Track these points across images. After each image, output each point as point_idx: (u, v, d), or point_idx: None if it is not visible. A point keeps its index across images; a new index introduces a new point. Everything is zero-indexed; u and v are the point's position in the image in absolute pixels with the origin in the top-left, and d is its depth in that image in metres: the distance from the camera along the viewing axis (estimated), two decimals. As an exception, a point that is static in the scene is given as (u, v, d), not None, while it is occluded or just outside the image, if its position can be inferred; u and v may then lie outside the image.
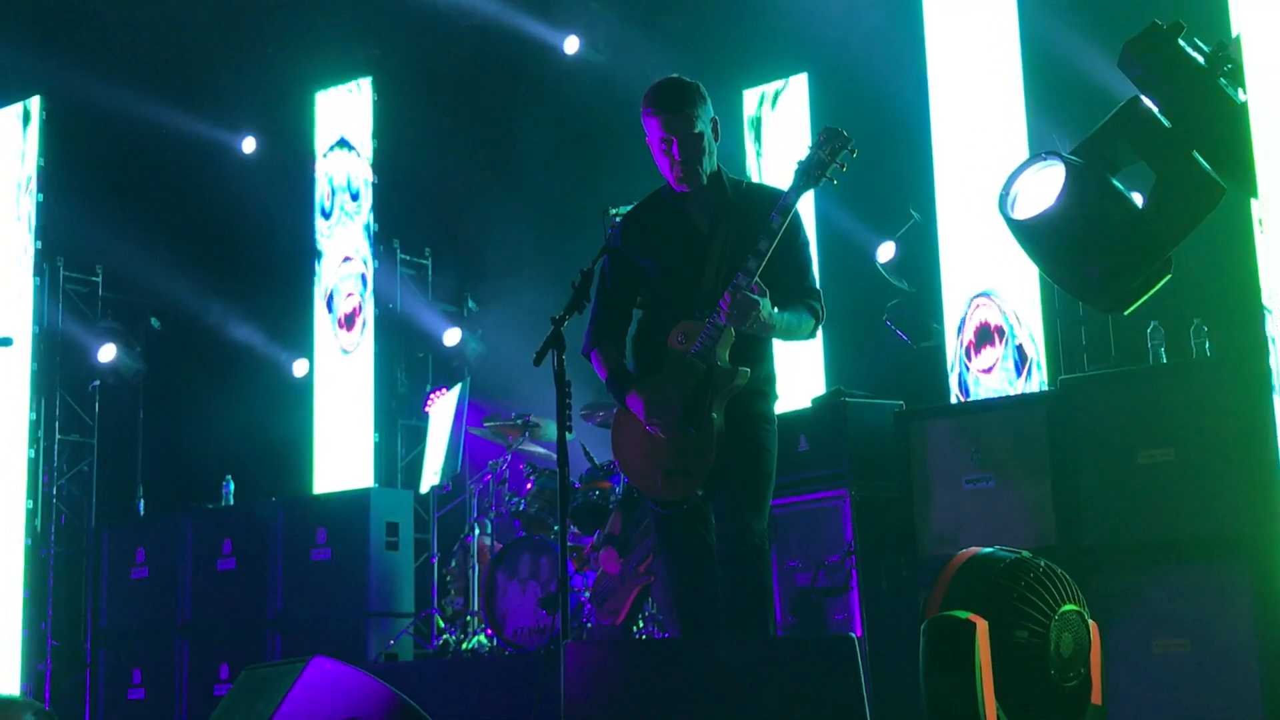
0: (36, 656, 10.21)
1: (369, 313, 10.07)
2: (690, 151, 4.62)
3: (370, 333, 10.01)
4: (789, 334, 4.69)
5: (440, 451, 8.66)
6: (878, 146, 4.79)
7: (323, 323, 10.31)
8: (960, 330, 7.53)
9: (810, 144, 4.63)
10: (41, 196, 10.77)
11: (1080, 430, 5.77)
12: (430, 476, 8.74)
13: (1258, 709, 5.26)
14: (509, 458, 8.26)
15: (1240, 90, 3.29)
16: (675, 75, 4.70)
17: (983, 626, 3.34)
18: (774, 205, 4.57)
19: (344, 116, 10.42)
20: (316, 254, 10.39)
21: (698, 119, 4.61)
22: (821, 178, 4.57)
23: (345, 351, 10.12)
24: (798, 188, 4.57)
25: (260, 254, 10.80)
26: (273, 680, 4.29)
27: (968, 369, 7.48)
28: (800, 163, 4.61)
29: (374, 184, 10.12)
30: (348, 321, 10.16)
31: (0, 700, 3.20)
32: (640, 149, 4.80)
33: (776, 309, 4.53)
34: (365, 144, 10.22)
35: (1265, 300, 3.25)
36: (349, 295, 10.20)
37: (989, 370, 7.38)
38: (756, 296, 4.45)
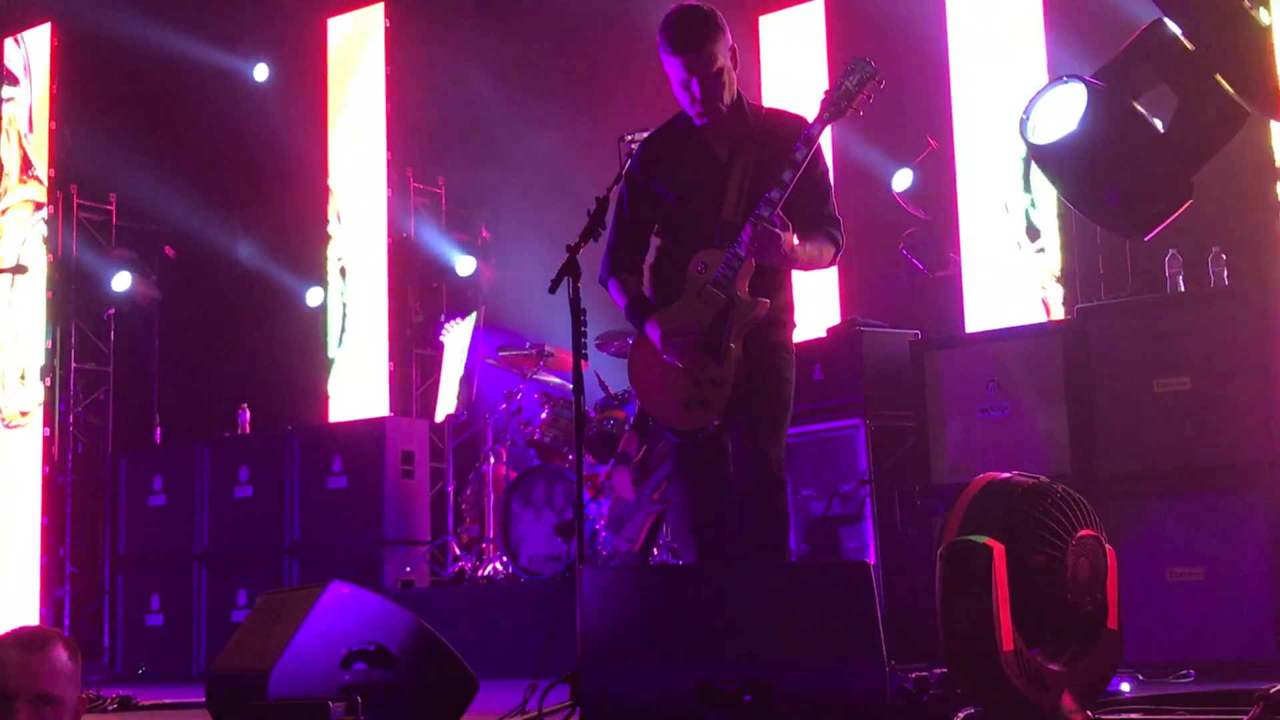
0: (55, 583, 10.32)
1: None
2: (711, 89, 4.54)
3: (384, 262, 9.98)
4: (810, 265, 4.66)
5: (454, 381, 8.67)
6: (894, 73, 4.72)
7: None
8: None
9: (838, 74, 4.57)
10: (54, 124, 10.77)
11: (1096, 359, 5.76)
12: (445, 405, 8.76)
13: (1270, 637, 5.28)
14: (524, 387, 8.27)
15: (1265, 12, 3.25)
16: (691, 3, 4.59)
17: (1000, 551, 3.34)
18: (794, 134, 4.50)
19: (356, 42, 10.34)
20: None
21: (717, 55, 4.51)
22: (848, 109, 4.51)
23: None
24: (823, 119, 4.51)
25: (274, 182, 10.76)
26: (291, 604, 4.31)
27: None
28: (826, 93, 4.55)
29: (386, 111, 10.06)
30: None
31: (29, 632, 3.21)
32: (655, 73, 4.73)
33: (798, 241, 4.50)
34: (378, 70, 10.14)
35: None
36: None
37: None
38: (778, 230, 4.42)
